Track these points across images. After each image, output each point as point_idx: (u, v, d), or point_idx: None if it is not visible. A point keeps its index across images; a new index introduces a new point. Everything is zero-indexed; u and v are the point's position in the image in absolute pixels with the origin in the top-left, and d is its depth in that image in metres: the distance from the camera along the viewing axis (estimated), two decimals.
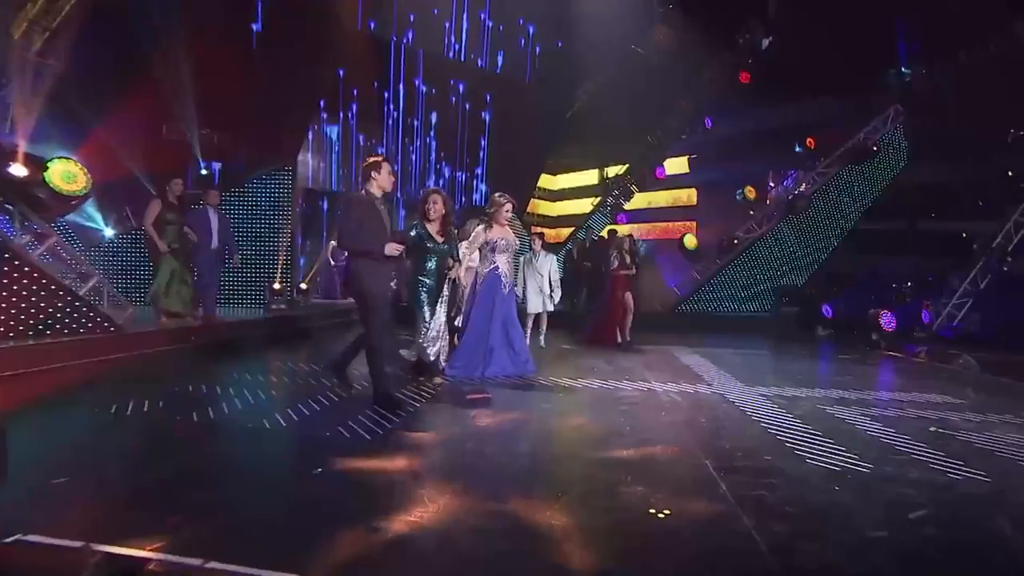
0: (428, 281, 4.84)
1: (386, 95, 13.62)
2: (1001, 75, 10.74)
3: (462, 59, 13.76)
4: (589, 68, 14.21)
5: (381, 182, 3.83)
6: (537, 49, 14.10)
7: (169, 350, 5.40)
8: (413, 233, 4.80)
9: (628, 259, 7.27)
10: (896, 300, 11.19)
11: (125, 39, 7.56)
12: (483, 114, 14.41)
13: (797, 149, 12.79)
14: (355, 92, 12.91)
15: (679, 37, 13.31)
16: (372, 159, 3.85)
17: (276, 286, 8.86)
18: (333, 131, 13.36)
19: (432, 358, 4.79)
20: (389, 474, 2.66)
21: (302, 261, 12.86)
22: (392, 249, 3.73)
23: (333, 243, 11.07)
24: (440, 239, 4.85)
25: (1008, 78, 11.06)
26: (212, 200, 6.58)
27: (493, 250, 4.96)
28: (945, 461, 2.98)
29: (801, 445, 3.23)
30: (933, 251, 12.75)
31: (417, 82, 13.70)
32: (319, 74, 10.54)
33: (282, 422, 3.46)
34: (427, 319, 4.79)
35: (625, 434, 3.40)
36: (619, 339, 7.23)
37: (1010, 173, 11.18)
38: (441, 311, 4.90)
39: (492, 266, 4.95)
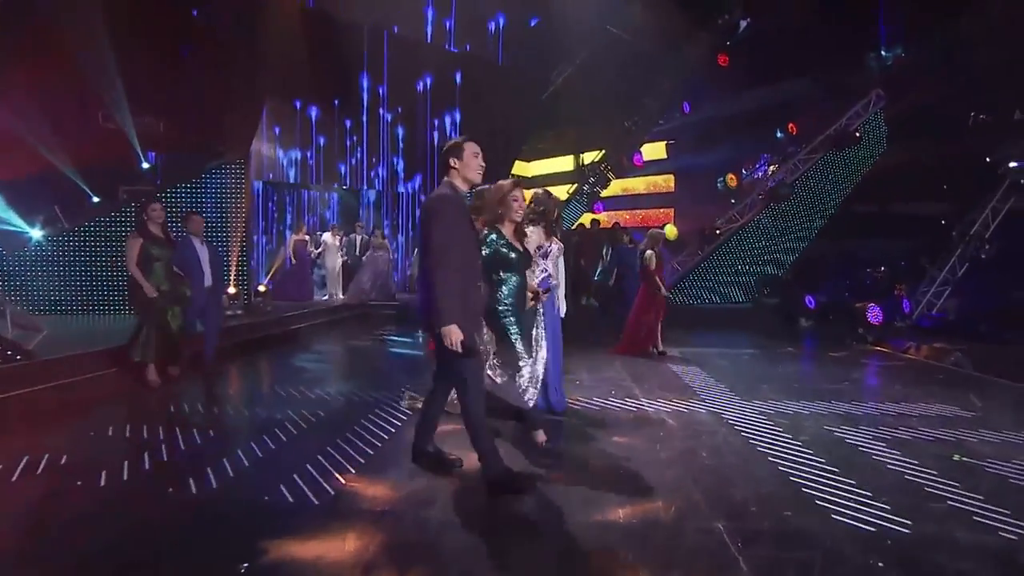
0: (510, 302, 3.43)
1: (349, 80, 12.74)
2: (979, 57, 10.57)
3: (428, 39, 12.96)
4: (563, 50, 13.59)
5: (466, 172, 2.80)
6: (500, 24, 13.38)
7: (95, 377, 4.69)
8: (488, 243, 3.41)
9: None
10: (873, 287, 11.11)
11: (39, 10, 6.62)
12: (452, 98, 13.68)
13: (779, 135, 12.49)
14: (315, 77, 12.03)
15: (656, 17, 12.78)
16: (452, 142, 2.85)
17: (231, 290, 8.13)
18: (295, 119, 12.45)
19: (530, 404, 3.52)
20: (333, 567, 2.13)
21: (262, 260, 12.10)
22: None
23: (295, 238, 10.27)
24: (519, 246, 3.52)
25: (985, 59, 10.93)
26: (195, 228, 5.37)
27: (546, 256, 4.06)
28: (988, 510, 2.60)
29: (820, 490, 2.82)
30: (906, 234, 12.73)
31: (384, 65, 12.86)
32: (274, 57, 9.66)
33: (213, 481, 2.88)
34: (523, 354, 3.43)
35: (619, 481, 2.94)
36: (659, 347, 6.63)
37: (988, 159, 11.11)
38: (542, 344, 3.68)
39: (545, 274, 3.97)
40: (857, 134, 11.24)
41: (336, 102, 12.49)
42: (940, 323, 9.97)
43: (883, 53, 11.98)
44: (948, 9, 11.45)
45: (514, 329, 3.38)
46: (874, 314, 8.35)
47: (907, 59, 11.84)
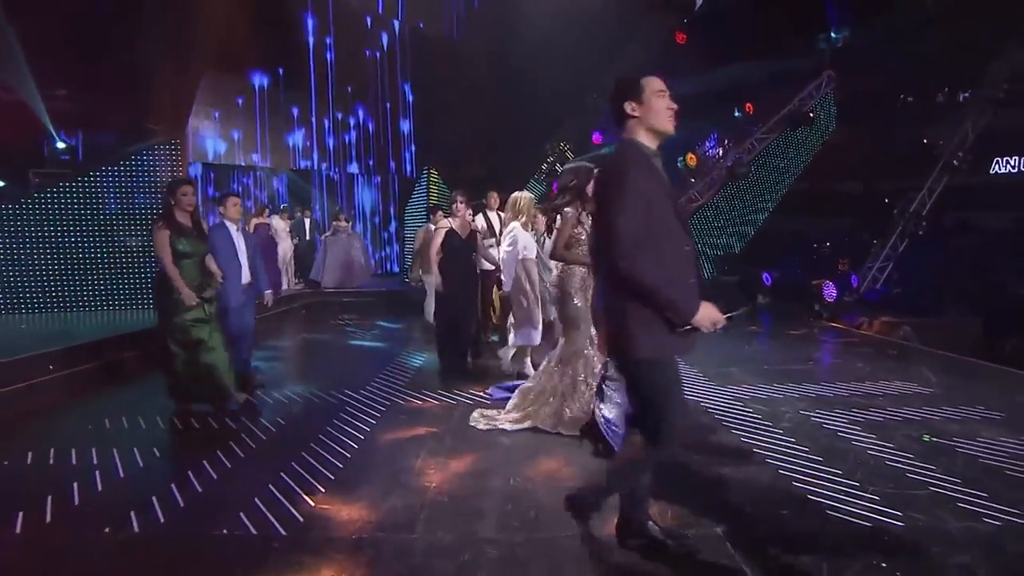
0: None
1: (297, 49, 11.86)
2: (926, 39, 10.94)
3: (380, 10, 12.23)
4: (521, 26, 13.15)
5: (652, 119, 1.94)
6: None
7: (10, 392, 4.12)
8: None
9: None
10: (820, 263, 11.56)
11: None
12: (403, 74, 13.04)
13: (736, 114, 12.62)
14: (259, 50, 11.11)
15: None
16: (623, 80, 2.00)
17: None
18: (238, 96, 11.49)
19: None
20: None
21: None
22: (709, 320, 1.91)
23: (256, 221, 9.17)
24: None
25: (920, 46, 11.34)
26: (232, 212, 4.36)
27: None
28: (969, 495, 2.64)
29: (810, 484, 2.79)
30: (853, 212, 13.30)
31: (330, 38, 12.04)
32: (211, 21, 8.72)
33: (160, 514, 2.54)
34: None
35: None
36: None
37: (925, 141, 11.65)
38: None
39: None
40: (810, 114, 11.51)
41: (281, 71, 11.63)
42: (885, 297, 10.49)
43: (832, 35, 12.24)
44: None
45: None
46: (828, 291, 8.63)
47: (854, 42, 12.16)
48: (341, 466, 3.05)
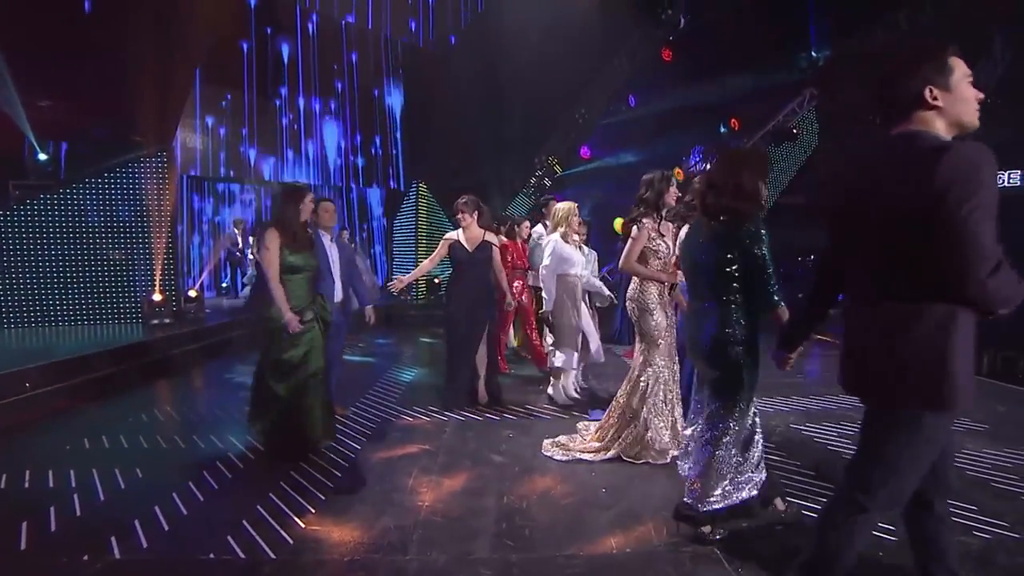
0: (752, 333, 2.37)
1: (284, 64, 11.86)
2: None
3: (369, 24, 12.31)
4: (508, 41, 13.32)
5: (957, 110, 1.53)
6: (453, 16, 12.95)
7: None
8: (749, 237, 2.34)
9: None
10: (803, 276, 11.73)
11: None
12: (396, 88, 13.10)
13: (722, 130, 12.86)
14: (248, 60, 11.10)
15: (600, 11, 12.75)
16: (921, 51, 1.56)
17: (156, 297, 7.34)
18: (225, 105, 11.43)
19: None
20: None
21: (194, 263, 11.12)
22: None
23: (234, 231, 9.03)
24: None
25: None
26: (327, 220, 3.91)
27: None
28: (957, 507, 2.65)
29: (803, 497, 2.80)
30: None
31: (317, 51, 12.07)
32: (198, 34, 8.67)
33: (143, 538, 2.45)
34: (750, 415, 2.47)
35: (603, 503, 2.79)
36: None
37: None
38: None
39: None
40: (794, 130, 11.78)
41: (268, 81, 11.58)
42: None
43: (814, 53, 12.58)
44: (866, 16, 12.21)
45: (752, 376, 2.32)
46: None
47: (835, 59, 12.51)
48: (331, 485, 2.99)
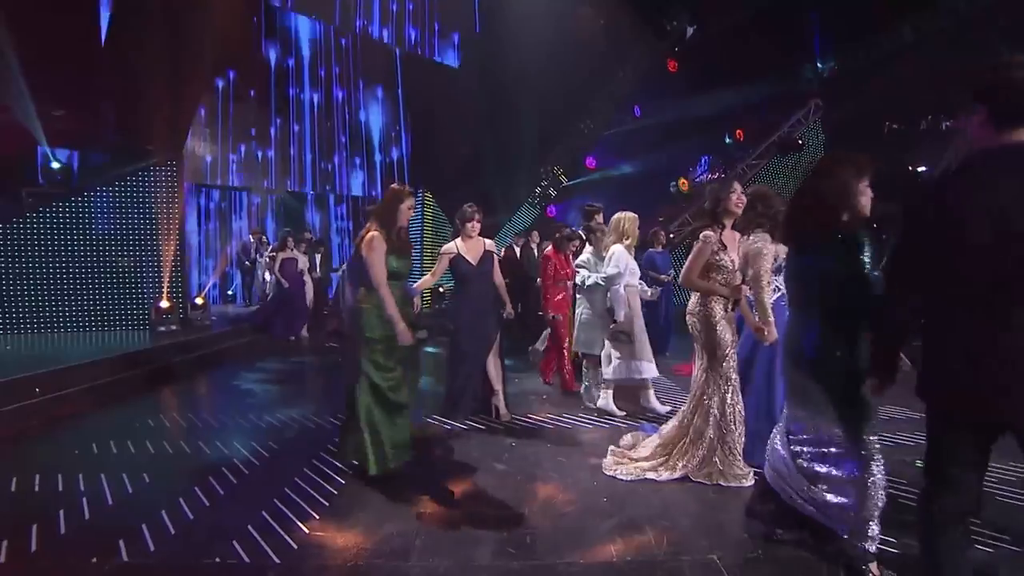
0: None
1: (290, 76, 12.05)
2: (909, 67, 11.25)
3: (374, 35, 12.50)
4: (514, 52, 13.47)
5: None
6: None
7: None
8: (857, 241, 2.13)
9: None
10: None
11: None
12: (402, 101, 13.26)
13: (727, 141, 12.91)
14: (257, 70, 11.30)
15: (605, 21, 12.90)
16: None
17: (163, 304, 7.43)
18: (228, 114, 11.61)
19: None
20: None
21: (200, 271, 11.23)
22: None
23: (284, 256, 8.14)
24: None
25: (901, 73, 11.71)
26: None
27: (780, 270, 3.10)
28: None
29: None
30: None
31: (324, 61, 12.26)
32: (207, 46, 8.82)
33: (150, 542, 2.49)
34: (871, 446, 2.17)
35: (605, 511, 2.80)
36: None
37: (909, 168, 11.98)
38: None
39: (779, 294, 3.11)
40: (799, 141, 11.81)
41: (272, 91, 11.74)
42: None
43: (819, 64, 12.62)
44: (870, 27, 12.26)
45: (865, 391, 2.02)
46: None
47: (840, 70, 12.54)
48: (335, 492, 3.02)
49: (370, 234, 3.09)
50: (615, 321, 4.33)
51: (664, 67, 13.01)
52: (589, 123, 13.44)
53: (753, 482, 2.91)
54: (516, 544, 2.48)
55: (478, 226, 4.10)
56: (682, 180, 12.50)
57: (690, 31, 13.16)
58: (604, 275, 4.35)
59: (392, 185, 3.30)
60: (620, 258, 4.30)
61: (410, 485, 3.09)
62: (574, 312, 4.83)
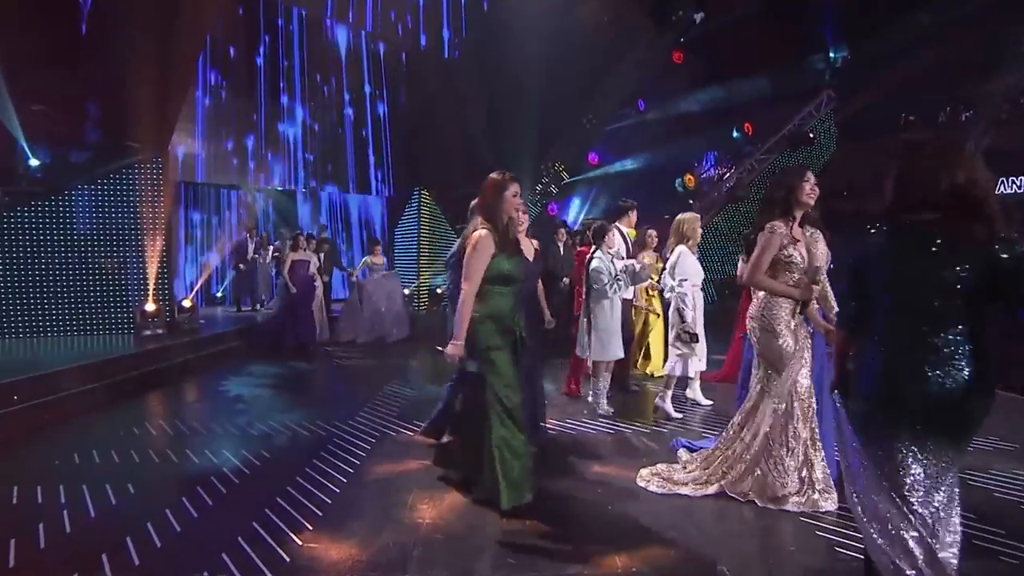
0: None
1: (280, 68, 11.85)
2: (926, 56, 10.87)
3: (368, 26, 12.33)
4: (515, 45, 13.28)
5: None
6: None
7: None
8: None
9: None
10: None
11: None
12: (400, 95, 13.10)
13: (735, 135, 12.69)
14: (246, 66, 11.10)
15: (611, 12, 12.67)
16: None
17: (149, 307, 7.22)
18: (217, 110, 11.40)
19: None
20: None
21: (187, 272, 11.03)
22: None
23: (294, 257, 7.78)
24: None
25: (917, 64, 11.41)
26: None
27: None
28: (984, 531, 2.57)
29: (818, 520, 2.71)
30: (857, 231, 13.32)
31: (316, 57, 12.08)
32: (192, 40, 8.55)
33: (134, 555, 2.36)
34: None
35: (609, 522, 2.72)
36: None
37: None
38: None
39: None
40: (811, 134, 11.64)
41: (264, 86, 11.54)
42: None
43: (831, 55, 12.36)
44: (885, 14, 11.92)
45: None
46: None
47: (853, 61, 12.25)
48: (329, 502, 2.90)
49: (477, 232, 2.67)
50: (683, 321, 4.41)
51: (669, 58, 12.64)
52: (591, 117, 13.19)
53: (792, 507, 2.74)
54: (517, 554, 2.39)
55: (524, 216, 3.57)
56: (688, 176, 12.27)
57: (697, 19, 12.91)
58: (671, 279, 4.44)
59: (491, 174, 2.83)
60: (687, 260, 4.40)
61: (407, 494, 2.99)
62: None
